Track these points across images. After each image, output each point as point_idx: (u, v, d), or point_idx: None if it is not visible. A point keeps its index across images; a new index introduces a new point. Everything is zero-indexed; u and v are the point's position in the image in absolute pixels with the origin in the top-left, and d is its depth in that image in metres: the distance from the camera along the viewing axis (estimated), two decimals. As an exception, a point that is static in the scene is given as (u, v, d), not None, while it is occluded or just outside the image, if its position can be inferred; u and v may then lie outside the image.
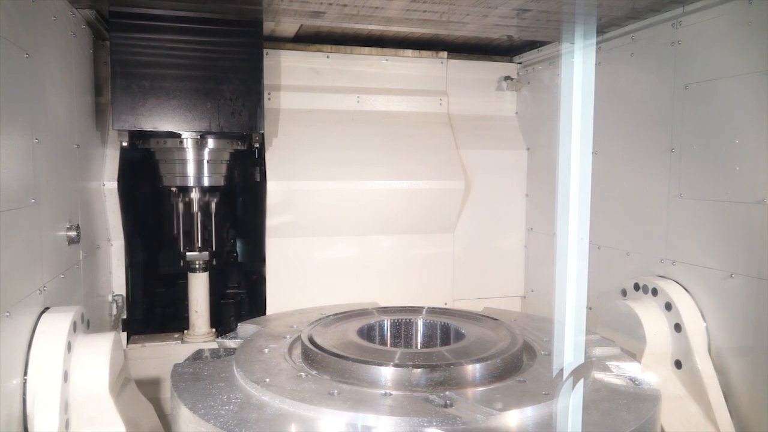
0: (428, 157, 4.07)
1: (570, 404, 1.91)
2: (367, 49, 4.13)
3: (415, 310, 2.88)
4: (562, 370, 2.16)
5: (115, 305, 3.57)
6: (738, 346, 2.71)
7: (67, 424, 2.15)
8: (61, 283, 2.57)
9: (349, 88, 4.11)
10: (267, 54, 3.91)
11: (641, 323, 2.93)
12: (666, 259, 3.09)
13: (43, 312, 2.28)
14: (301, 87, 4.03)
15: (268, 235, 3.83)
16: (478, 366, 2.10)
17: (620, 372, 2.27)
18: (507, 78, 4.40)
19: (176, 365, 2.28)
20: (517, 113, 4.49)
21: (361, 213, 3.96)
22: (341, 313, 2.80)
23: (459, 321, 2.73)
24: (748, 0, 2.62)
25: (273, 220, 3.80)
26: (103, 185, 3.47)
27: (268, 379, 2.06)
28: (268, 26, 3.60)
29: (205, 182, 3.65)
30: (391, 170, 3.97)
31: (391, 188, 3.94)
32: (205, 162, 3.61)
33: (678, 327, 2.88)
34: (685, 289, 2.95)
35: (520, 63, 4.45)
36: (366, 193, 3.92)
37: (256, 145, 3.64)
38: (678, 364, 2.89)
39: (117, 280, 3.62)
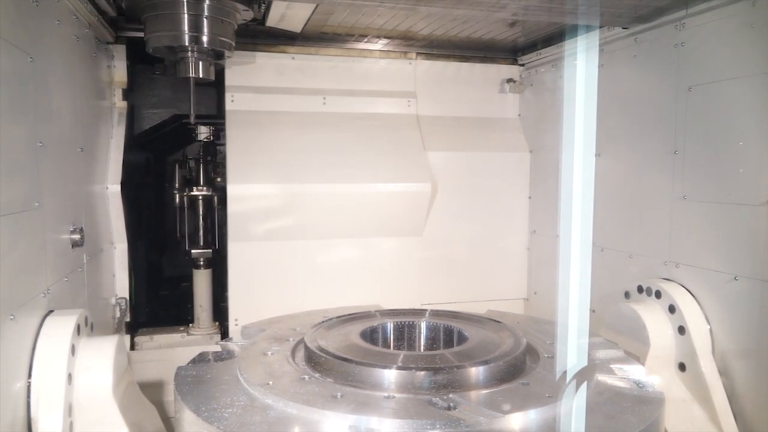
0: (395, 159, 3.98)
1: (573, 407, 1.91)
2: (333, 50, 4.04)
3: (419, 312, 2.88)
4: (565, 372, 2.15)
5: (118, 308, 3.58)
6: (742, 349, 2.70)
7: (71, 427, 2.15)
8: (64, 286, 2.57)
9: (314, 90, 4.00)
10: (230, 56, 3.72)
11: (645, 326, 2.92)
12: (669, 261, 3.09)
13: (47, 315, 2.28)
14: (266, 89, 3.92)
15: (230, 239, 3.73)
16: (481, 369, 2.10)
17: (624, 375, 2.27)
18: (509, 80, 4.40)
19: (180, 368, 2.28)
20: (520, 115, 4.48)
21: (325, 216, 3.86)
22: (344, 315, 2.80)
23: (462, 323, 2.73)
24: (751, 2, 2.62)
25: (235, 223, 3.70)
26: (107, 188, 3.48)
27: (271, 382, 2.06)
28: (276, 12, 3.35)
29: (205, 41, 3.09)
30: (356, 173, 3.88)
31: (356, 191, 3.86)
32: (205, 18, 3.07)
33: (682, 329, 2.87)
34: (689, 292, 2.95)
35: (522, 65, 4.45)
36: (330, 196, 3.82)
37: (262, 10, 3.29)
38: (682, 367, 2.88)
39: (120, 283, 3.63)
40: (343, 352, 2.25)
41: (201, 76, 3.36)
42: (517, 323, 2.80)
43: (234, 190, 3.64)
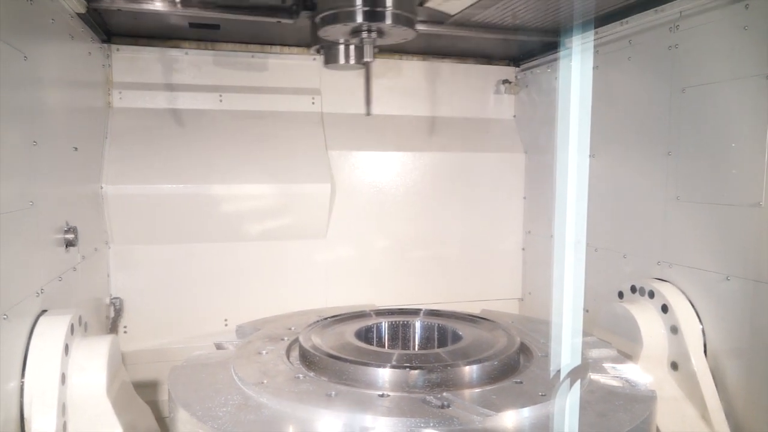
0: (296, 159, 3.85)
1: (566, 405, 1.92)
2: (231, 45, 3.86)
3: (413, 312, 2.89)
4: (558, 371, 2.16)
5: (112, 308, 3.57)
6: (734, 348, 2.72)
7: (64, 427, 2.15)
8: (58, 285, 2.57)
9: (209, 86, 3.84)
10: (118, 50, 3.64)
11: (638, 325, 2.94)
12: (663, 261, 3.10)
13: (40, 315, 2.28)
14: (157, 85, 3.76)
15: (114, 242, 3.59)
16: (475, 367, 2.11)
17: (616, 373, 2.28)
18: (505, 81, 4.42)
19: (174, 367, 2.28)
20: (515, 116, 4.50)
21: (220, 219, 3.71)
22: (339, 315, 2.81)
23: (456, 323, 2.74)
24: (744, 4, 2.64)
25: (118, 226, 3.55)
26: (101, 188, 3.47)
27: (265, 381, 2.06)
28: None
29: (389, 18, 2.69)
30: (253, 173, 3.75)
31: (252, 192, 3.74)
32: None
33: (674, 329, 2.89)
34: (682, 292, 2.96)
35: (518, 66, 4.46)
36: (222, 197, 3.68)
37: None
38: (674, 366, 2.90)
39: (114, 283, 3.62)
40: (337, 351, 2.25)
41: (369, 60, 2.92)
42: (511, 323, 2.81)
43: (112, 191, 3.46)
